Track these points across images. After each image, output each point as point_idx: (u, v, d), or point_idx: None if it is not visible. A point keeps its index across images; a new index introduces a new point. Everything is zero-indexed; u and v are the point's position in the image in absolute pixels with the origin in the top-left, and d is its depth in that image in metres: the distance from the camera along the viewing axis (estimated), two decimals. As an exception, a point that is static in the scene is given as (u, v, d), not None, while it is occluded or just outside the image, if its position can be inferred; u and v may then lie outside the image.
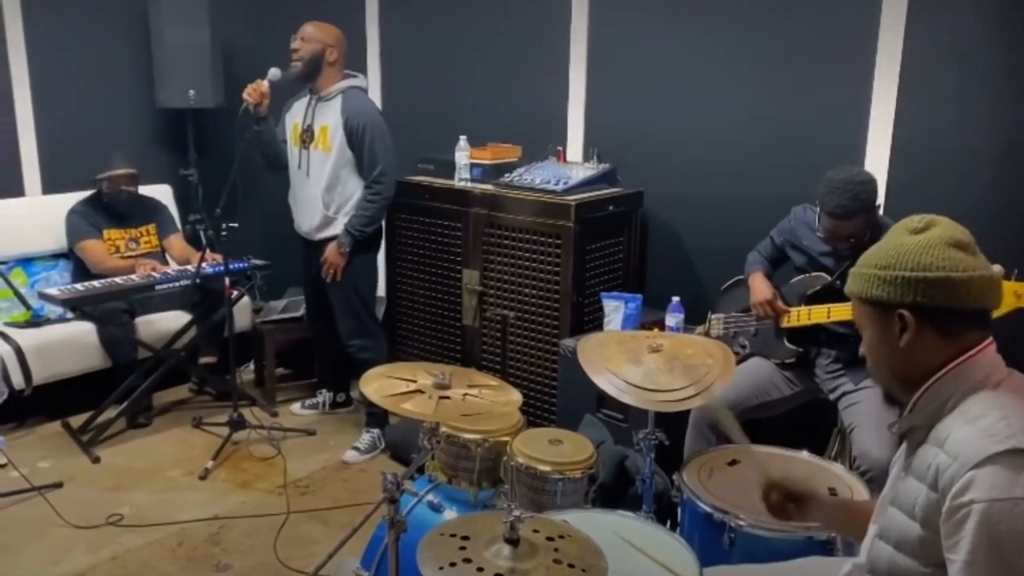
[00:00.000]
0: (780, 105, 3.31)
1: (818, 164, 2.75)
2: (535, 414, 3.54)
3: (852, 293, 1.46)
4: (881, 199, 2.83)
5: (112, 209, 4.11)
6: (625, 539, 1.89)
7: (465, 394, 2.09)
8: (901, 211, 1.61)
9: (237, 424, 3.65)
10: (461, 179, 3.74)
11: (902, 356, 1.39)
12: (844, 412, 2.71)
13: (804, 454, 2.40)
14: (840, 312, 2.66)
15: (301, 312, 4.20)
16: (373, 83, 4.45)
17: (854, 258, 2.58)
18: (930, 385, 1.38)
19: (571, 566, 1.53)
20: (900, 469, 1.46)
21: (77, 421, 3.81)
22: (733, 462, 2.35)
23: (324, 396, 4.12)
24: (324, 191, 3.53)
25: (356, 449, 3.67)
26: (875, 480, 2.30)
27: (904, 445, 1.48)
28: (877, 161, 3.07)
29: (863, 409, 2.62)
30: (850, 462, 2.55)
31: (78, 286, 3.70)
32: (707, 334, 3.08)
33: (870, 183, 2.59)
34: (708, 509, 2.11)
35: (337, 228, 3.55)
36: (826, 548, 2.00)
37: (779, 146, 3.33)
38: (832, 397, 2.78)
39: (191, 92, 4.40)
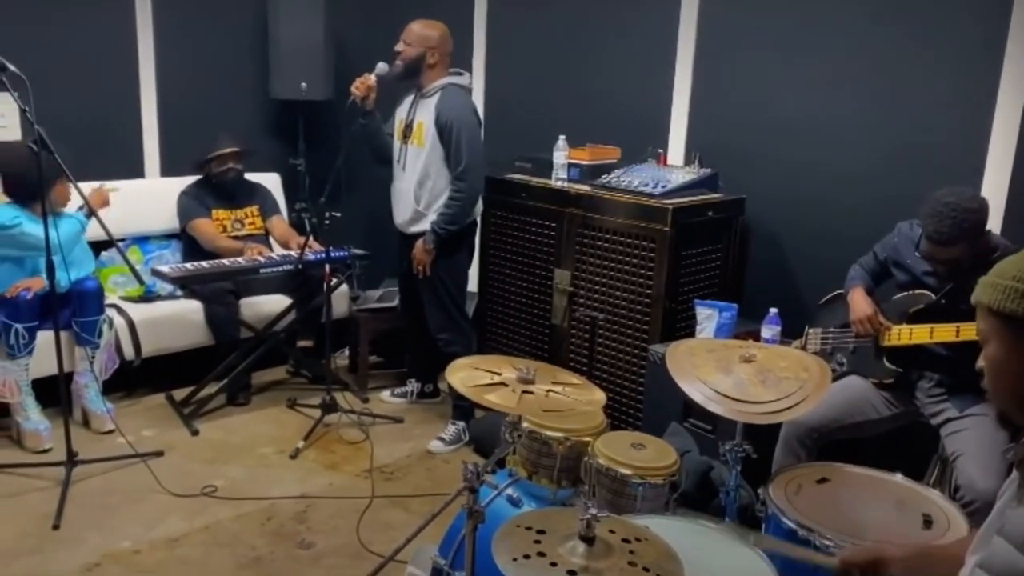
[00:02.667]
0: (893, 115, 3.18)
1: (930, 179, 2.63)
2: (620, 419, 3.51)
3: (980, 303, 1.35)
4: (999, 218, 2.68)
5: (219, 190, 4.28)
6: (704, 549, 1.85)
7: (548, 390, 2.09)
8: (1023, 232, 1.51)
9: (329, 407, 3.75)
10: (558, 179, 3.74)
11: None
12: (947, 439, 2.58)
13: (898, 477, 2.30)
14: (943, 333, 2.54)
15: (396, 302, 4.27)
16: (478, 80, 4.49)
17: (955, 280, 2.49)
18: None
19: (646, 570, 1.50)
20: (1011, 498, 1.37)
21: (180, 394, 3.99)
22: (823, 480, 2.27)
23: (413, 386, 4.19)
24: (416, 185, 3.58)
25: (441, 440, 3.72)
26: (979, 512, 2.18)
27: (1016, 473, 1.39)
28: (997, 177, 2.92)
29: (970, 437, 2.49)
30: (951, 491, 2.43)
31: (187, 265, 3.87)
32: (803, 348, 2.99)
33: (978, 212, 2.43)
34: (793, 525, 2.04)
35: (426, 224, 3.58)
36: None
37: (890, 158, 3.20)
38: (934, 423, 2.65)
39: (303, 84, 4.55)
